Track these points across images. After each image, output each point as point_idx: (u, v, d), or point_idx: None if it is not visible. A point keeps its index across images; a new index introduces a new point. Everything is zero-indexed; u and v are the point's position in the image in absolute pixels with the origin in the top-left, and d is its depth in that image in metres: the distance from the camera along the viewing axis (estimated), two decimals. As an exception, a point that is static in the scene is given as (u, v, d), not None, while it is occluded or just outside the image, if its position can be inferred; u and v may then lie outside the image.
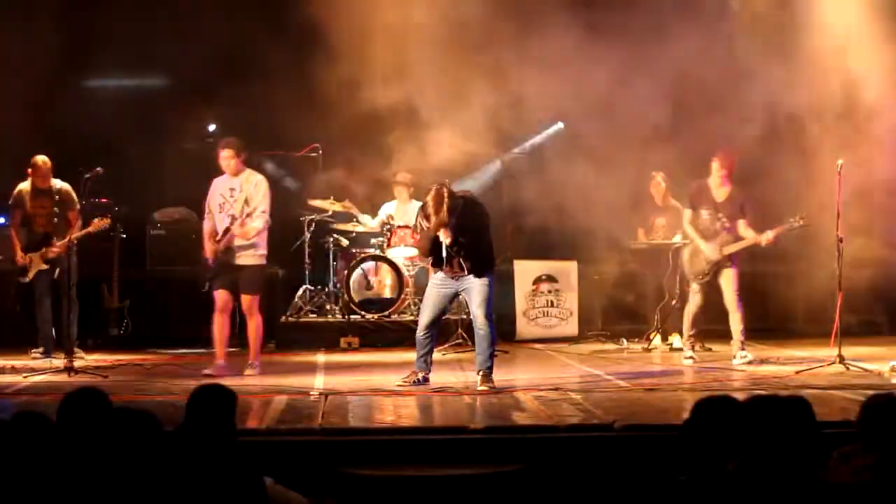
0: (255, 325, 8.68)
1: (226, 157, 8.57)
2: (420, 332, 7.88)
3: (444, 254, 7.73)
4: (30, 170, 9.64)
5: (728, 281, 9.13)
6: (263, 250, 8.68)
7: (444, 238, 7.65)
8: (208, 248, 8.59)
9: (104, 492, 3.39)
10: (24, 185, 9.74)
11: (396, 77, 9.64)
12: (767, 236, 9.00)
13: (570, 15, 9.73)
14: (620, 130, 10.05)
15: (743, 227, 9.10)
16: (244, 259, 8.58)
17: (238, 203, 8.50)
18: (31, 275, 9.62)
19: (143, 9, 10.70)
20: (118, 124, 10.81)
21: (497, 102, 9.47)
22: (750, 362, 8.94)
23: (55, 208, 9.50)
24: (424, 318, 7.88)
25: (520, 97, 9.87)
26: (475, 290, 7.71)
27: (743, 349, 9.09)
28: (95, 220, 9.51)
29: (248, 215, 8.46)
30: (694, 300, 9.34)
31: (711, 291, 9.23)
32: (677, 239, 10.22)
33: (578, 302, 11.48)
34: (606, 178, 10.15)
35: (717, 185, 9.18)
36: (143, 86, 12.10)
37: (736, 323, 9.11)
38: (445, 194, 7.63)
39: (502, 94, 9.55)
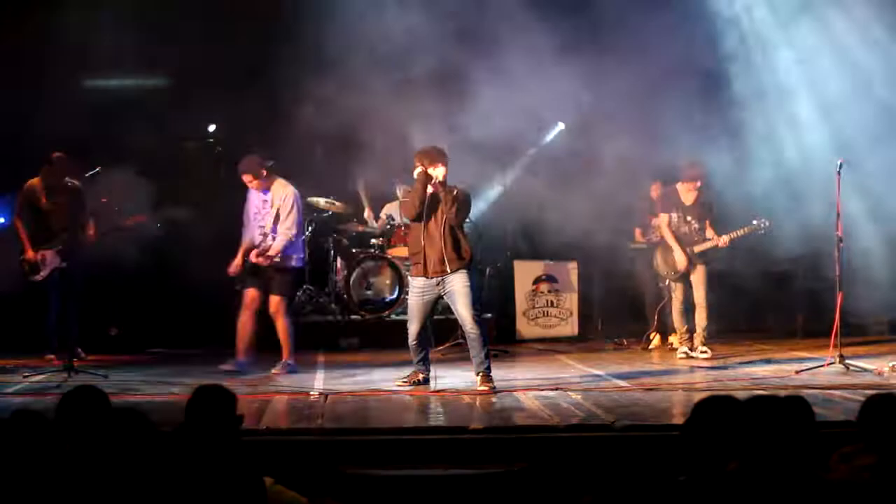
0: (282, 326, 8.75)
1: (246, 181, 8.78)
2: (412, 341, 7.83)
3: (428, 208, 7.64)
4: (46, 166, 9.56)
5: (699, 278, 9.66)
6: (298, 254, 8.86)
7: (437, 172, 7.64)
8: (236, 261, 8.78)
9: (103, 491, 3.39)
10: (35, 182, 9.59)
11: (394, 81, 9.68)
12: (724, 239, 9.53)
13: (566, 18, 9.75)
14: (618, 132, 10.08)
15: (708, 228, 9.68)
16: (278, 263, 8.74)
17: (270, 216, 8.74)
18: (44, 273, 9.47)
19: (144, 9, 10.68)
20: (117, 124, 10.78)
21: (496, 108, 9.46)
22: (708, 358, 9.38)
23: (71, 206, 9.39)
24: (413, 328, 7.81)
25: (519, 102, 9.86)
26: (457, 292, 7.65)
27: (704, 345, 9.56)
28: (131, 217, 9.51)
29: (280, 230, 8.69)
30: (676, 297, 9.79)
31: (688, 287, 9.69)
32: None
33: (578, 302, 11.49)
34: (605, 178, 10.16)
35: (686, 190, 9.71)
36: (144, 86, 12.08)
37: (702, 319, 9.61)
38: (443, 149, 7.76)
39: (501, 100, 9.54)
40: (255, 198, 8.84)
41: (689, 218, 9.68)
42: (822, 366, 8.40)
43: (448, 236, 7.67)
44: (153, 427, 3.57)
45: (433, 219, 7.72)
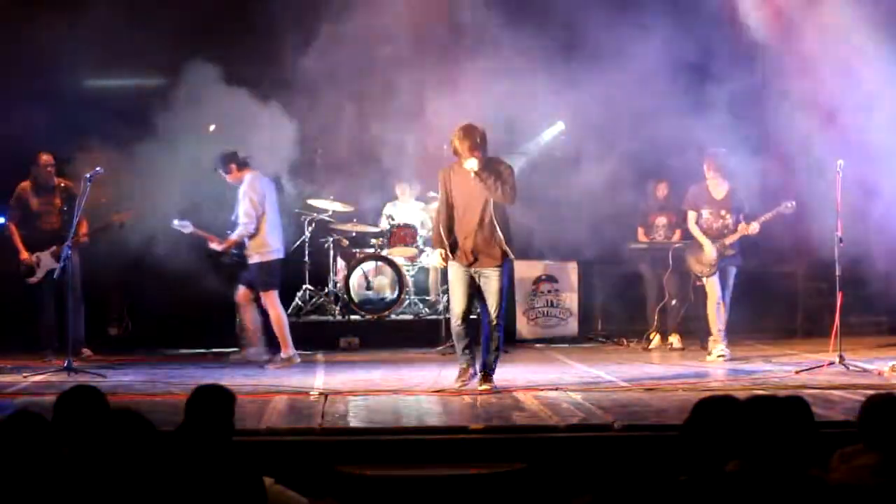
0: (272, 318, 9.10)
1: (223, 176, 9.16)
2: (455, 322, 7.56)
3: (462, 198, 7.40)
4: (34, 167, 9.54)
5: (727, 280, 9.52)
6: (265, 248, 9.05)
7: (472, 165, 7.29)
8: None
9: (102, 492, 3.39)
10: (25, 184, 9.59)
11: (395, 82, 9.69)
12: (753, 226, 9.38)
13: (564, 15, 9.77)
14: (618, 132, 10.08)
15: (743, 218, 9.48)
16: (251, 258, 9.09)
17: (235, 211, 9.09)
18: (39, 275, 9.45)
19: (144, 9, 10.67)
20: (118, 124, 10.77)
21: (496, 105, 9.45)
22: (725, 358, 9.31)
23: (64, 206, 9.37)
24: (457, 308, 7.52)
25: (520, 99, 9.85)
26: (489, 289, 7.43)
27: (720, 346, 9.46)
28: (116, 214, 9.53)
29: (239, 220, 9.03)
30: (711, 296, 9.56)
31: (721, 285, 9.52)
32: (677, 238, 10.43)
33: (578, 302, 11.48)
34: (606, 177, 10.17)
35: (716, 185, 9.55)
36: (144, 86, 12.08)
37: (721, 321, 9.47)
38: (480, 128, 7.37)
39: (501, 96, 9.53)
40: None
41: (722, 212, 9.51)
42: (822, 366, 8.40)
43: (487, 229, 7.39)
44: (152, 427, 3.57)
45: (467, 212, 7.46)
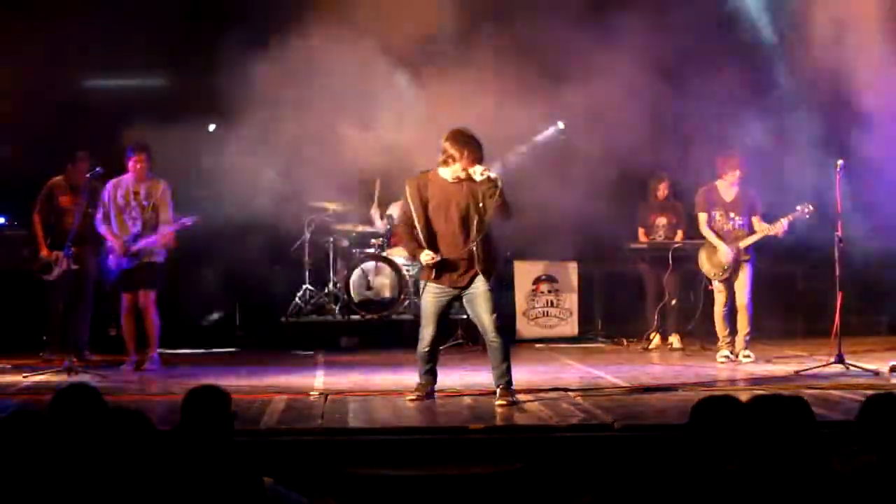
0: (154, 322, 9.01)
1: (141, 160, 8.92)
2: (424, 348, 7.14)
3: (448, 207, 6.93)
4: (70, 165, 9.54)
5: (743, 280, 9.34)
6: (162, 249, 9.05)
7: (480, 175, 6.81)
8: (117, 246, 8.89)
9: (101, 491, 3.39)
10: (58, 179, 9.58)
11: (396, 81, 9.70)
12: (782, 225, 9.18)
13: (567, 18, 9.75)
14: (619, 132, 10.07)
15: (757, 221, 9.33)
16: (151, 257, 8.98)
17: (147, 210, 8.92)
18: (56, 273, 9.39)
19: (144, 9, 10.67)
20: (118, 124, 10.78)
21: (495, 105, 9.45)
22: (753, 361, 9.15)
23: (90, 208, 9.33)
24: (427, 332, 7.11)
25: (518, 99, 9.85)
26: (479, 295, 6.95)
27: (747, 349, 9.29)
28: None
29: (161, 223, 8.91)
30: (718, 300, 9.45)
31: (731, 289, 9.39)
32: (678, 239, 10.44)
33: (578, 302, 11.48)
34: (606, 177, 10.15)
35: (727, 186, 9.42)
36: (144, 86, 12.08)
37: (744, 325, 9.32)
38: (472, 133, 6.89)
39: (500, 96, 9.52)
40: (121, 188, 8.98)
41: (732, 214, 9.34)
42: (822, 366, 8.40)
43: (475, 242, 6.90)
44: (151, 427, 3.56)
45: (451, 225, 6.97)
